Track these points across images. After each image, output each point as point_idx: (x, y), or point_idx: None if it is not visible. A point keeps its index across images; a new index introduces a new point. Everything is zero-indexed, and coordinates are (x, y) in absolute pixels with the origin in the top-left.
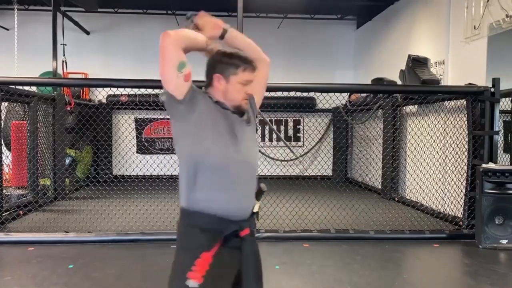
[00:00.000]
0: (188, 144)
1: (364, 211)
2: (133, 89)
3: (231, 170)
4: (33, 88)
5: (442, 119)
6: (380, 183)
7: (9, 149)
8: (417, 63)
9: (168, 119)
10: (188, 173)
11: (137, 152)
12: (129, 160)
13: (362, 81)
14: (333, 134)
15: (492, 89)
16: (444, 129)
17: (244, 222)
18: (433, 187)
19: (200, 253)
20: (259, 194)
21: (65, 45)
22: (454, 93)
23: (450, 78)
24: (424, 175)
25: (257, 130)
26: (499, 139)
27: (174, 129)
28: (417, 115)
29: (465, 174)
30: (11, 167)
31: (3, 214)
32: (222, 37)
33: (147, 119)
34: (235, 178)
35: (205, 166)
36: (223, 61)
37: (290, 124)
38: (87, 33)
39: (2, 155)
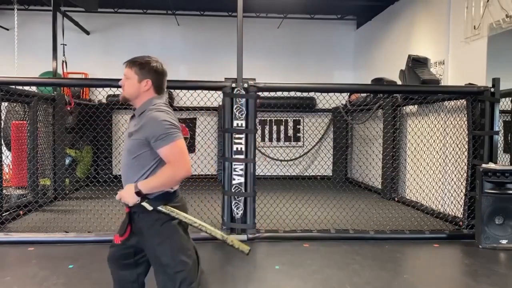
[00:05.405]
0: None
1: (364, 211)
2: None
3: None
4: (33, 88)
5: (442, 119)
6: (380, 183)
7: (9, 149)
8: (417, 63)
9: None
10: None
11: None
12: None
13: (362, 81)
14: (333, 134)
15: (492, 89)
16: (444, 129)
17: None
18: (433, 187)
19: None
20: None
21: (65, 45)
22: (454, 93)
23: (450, 78)
24: (424, 175)
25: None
26: (499, 139)
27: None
28: (417, 115)
29: (465, 174)
30: (11, 167)
31: (3, 214)
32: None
33: None
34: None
35: None
36: None
37: (290, 124)
38: (87, 33)
39: (2, 155)
